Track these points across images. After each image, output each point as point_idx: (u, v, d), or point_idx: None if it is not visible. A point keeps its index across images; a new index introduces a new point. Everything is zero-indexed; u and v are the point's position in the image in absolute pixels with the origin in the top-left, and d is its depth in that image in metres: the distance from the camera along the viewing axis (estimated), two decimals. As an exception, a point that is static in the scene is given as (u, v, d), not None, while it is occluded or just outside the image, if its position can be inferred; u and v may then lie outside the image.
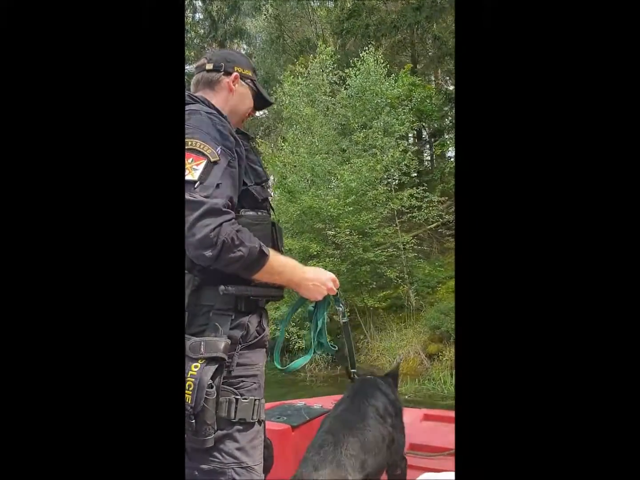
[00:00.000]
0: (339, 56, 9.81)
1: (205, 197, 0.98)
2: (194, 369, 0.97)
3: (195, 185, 0.98)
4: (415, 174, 11.16)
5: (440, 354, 7.38)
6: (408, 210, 9.15)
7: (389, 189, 8.92)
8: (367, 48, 9.10)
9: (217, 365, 0.99)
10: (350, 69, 9.18)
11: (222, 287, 1.04)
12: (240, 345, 1.07)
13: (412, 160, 8.95)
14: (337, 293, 1.24)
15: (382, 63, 9.01)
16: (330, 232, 8.22)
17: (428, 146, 13.21)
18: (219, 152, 1.02)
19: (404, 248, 9.23)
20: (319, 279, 1.19)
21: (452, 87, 12.05)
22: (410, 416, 1.79)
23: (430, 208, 9.02)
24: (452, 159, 11.36)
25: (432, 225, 12.89)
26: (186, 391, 0.95)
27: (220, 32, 14.75)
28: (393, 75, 9.14)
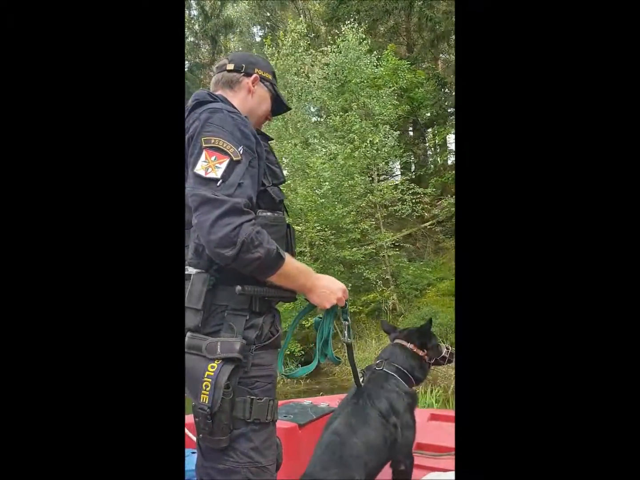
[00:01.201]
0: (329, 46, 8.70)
1: (228, 195, 0.97)
2: (210, 369, 0.98)
3: (218, 184, 0.98)
4: (400, 164, 10.19)
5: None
6: (390, 204, 8.19)
7: (370, 179, 7.96)
8: (349, 22, 8.13)
9: (233, 366, 1.00)
10: (329, 46, 8.26)
11: (238, 287, 1.04)
12: (254, 346, 1.05)
13: (396, 147, 7.96)
14: (345, 305, 1.22)
15: (364, 40, 8.05)
16: (297, 227, 7.29)
17: (422, 137, 12.24)
18: (241, 151, 1.02)
19: (386, 246, 8.30)
20: (329, 287, 1.17)
21: (446, 73, 11.10)
22: (418, 416, 1.74)
23: (416, 202, 8.02)
24: (448, 151, 10.40)
25: (427, 224, 12.04)
26: (203, 391, 0.97)
27: (211, 26, 14.18)
28: (375, 53, 8.17)
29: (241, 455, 1.02)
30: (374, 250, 7.99)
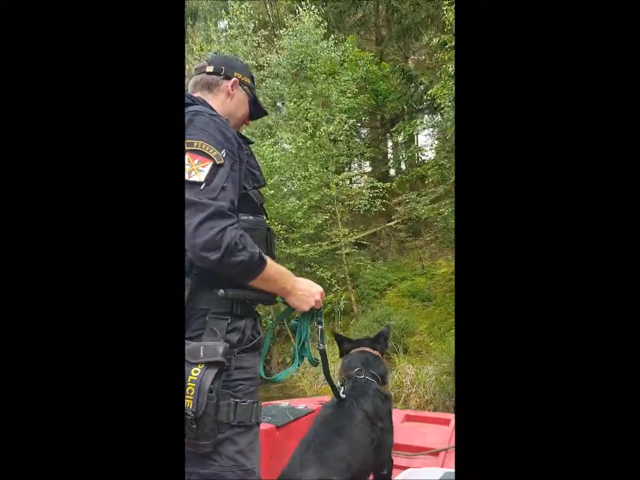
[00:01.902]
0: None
1: (211, 199, 0.98)
2: (194, 373, 0.98)
3: (202, 187, 0.99)
4: (362, 159, 9.72)
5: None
6: (347, 198, 7.70)
7: (325, 171, 7.45)
8: (304, 2, 7.61)
9: (217, 370, 0.99)
10: (284, 29, 7.72)
11: (221, 290, 1.04)
12: (236, 349, 1.05)
13: (350, 136, 7.46)
14: (320, 308, 1.23)
15: (320, 23, 7.54)
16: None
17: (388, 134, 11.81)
18: (224, 154, 1.03)
19: (343, 244, 7.80)
20: (308, 290, 1.19)
21: (411, 65, 10.73)
22: (393, 417, 1.73)
23: (374, 196, 7.55)
24: (414, 147, 9.98)
25: (391, 223, 11.64)
26: (186, 396, 0.96)
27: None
28: (333, 37, 7.66)
29: (226, 459, 1.01)
30: (328, 247, 7.47)
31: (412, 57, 12.21)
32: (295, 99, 7.36)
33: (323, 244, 7.48)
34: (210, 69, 1.23)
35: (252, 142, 1.31)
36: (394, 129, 9.24)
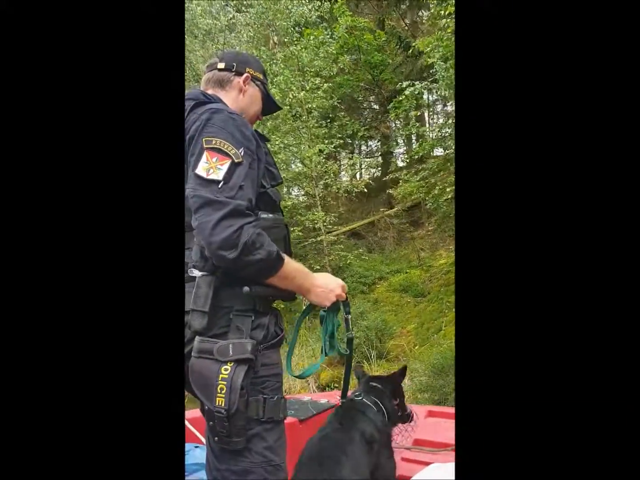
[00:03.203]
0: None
1: (229, 198, 0.97)
2: (224, 372, 0.98)
3: (220, 185, 0.98)
4: (358, 140, 8.64)
5: (334, 385, 4.90)
6: (321, 175, 6.67)
7: (298, 142, 6.44)
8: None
9: (247, 367, 1.00)
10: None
11: (246, 288, 1.04)
12: (262, 345, 1.05)
13: (336, 109, 6.39)
14: (346, 298, 1.24)
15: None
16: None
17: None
18: (242, 153, 1.02)
19: (325, 231, 6.80)
20: (327, 286, 1.17)
21: (410, 33, 9.58)
22: (415, 412, 1.78)
23: (352, 175, 6.50)
24: (412, 125, 8.85)
25: (390, 211, 10.59)
26: (218, 395, 0.97)
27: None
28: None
29: (256, 455, 1.02)
30: (300, 234, 6.48)
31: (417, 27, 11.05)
32: (267, 63, 6.37)
33: (298, 232, 6.50)
34: (221, 65, 1.22)
35: (269, 140, 1.33)
36: (390, 105, 8.16)
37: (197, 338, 0.99)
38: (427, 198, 6.07)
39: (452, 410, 2.22)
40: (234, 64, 1.22)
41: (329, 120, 10.18)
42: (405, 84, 5.63)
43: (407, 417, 1.75)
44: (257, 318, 1.04)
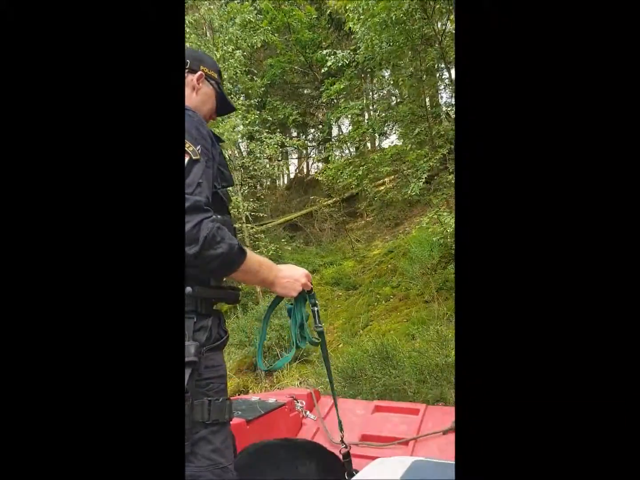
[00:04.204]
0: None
1: (188, 194, 0.97)
2: None
3: None
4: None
5: (250, 389, 4.27)
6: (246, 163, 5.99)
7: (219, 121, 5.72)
8: None
9: (190, 370, 0.99)
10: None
11: (188, 288, 1.03)
12: (204, 348, 1.04)
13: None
14: (311, 290, 1.25)
15: None
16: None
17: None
18: (199, 150, 1.02)
19: (244, 217, 6.15)
20: (292, 276, 1.18)
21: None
22: (363, 408, 1.86)
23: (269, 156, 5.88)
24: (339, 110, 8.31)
25: (329, 201, 10.12)
26: None
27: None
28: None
29: (202, 459, 1.02)
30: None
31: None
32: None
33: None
34: None
35: (223, 141, 1.29)
36: (322, 89, 7.57)
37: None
38: (361, 184, 5.56)
39: (399, 404, 2.20)
40: (188, 61, 1.21)
41: (262, 104, 9.53)
42: (325, 51, 5.07)
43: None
44: (199, 320, 1.04)
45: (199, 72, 1.20)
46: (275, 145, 5.77)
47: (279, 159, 8.39)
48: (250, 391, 4.12)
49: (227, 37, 5.63)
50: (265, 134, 5.77)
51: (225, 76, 5.37)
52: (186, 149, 0.98)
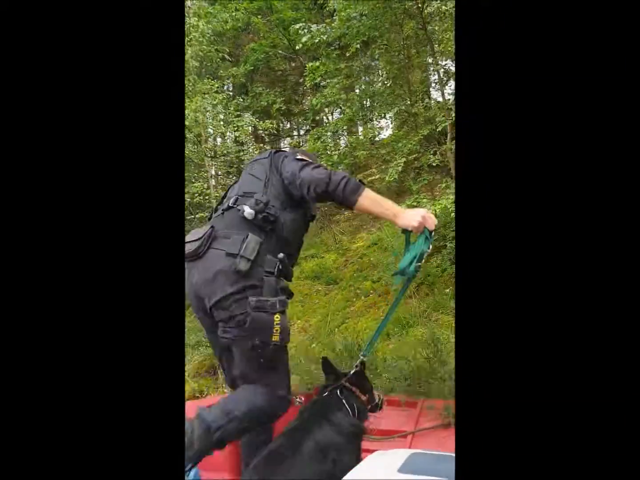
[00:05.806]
0: None
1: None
2: (276, 319, 1.43)
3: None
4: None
5: (207, 393, 3.88)
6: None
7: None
8: None
9: (286, 316, 1.50)
10: None
11: (281, 254, 1.51)
12: (288, 300, 1.59)
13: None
14: (431, 232, 1.41)
15: None
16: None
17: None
18: None
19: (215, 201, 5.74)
20: (413, 210, 1.44)
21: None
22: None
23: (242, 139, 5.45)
24: (319, 95, 7.84)
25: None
26: (274, 334, 1.43)
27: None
28: None
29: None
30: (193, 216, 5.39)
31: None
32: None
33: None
34: None
35: None
36: (305, 73, 7.10)
37: (252, 299, 1.39)
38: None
39: (398, 398, 2.21)
40: None
41: (244, 91, 9.07)
42: (298, 25, 4.63)
43: (376, 407, 1.81)
44: (278, 282, 1.46)
45: None
46: (247, 128, 5.33)
47: (263, 145, 7.95)
48: (208, 396, 3.73)
49: (192, 11, 5.19)
50: (233, 117, 5.34)
51: (190, 52, 4.92)
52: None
